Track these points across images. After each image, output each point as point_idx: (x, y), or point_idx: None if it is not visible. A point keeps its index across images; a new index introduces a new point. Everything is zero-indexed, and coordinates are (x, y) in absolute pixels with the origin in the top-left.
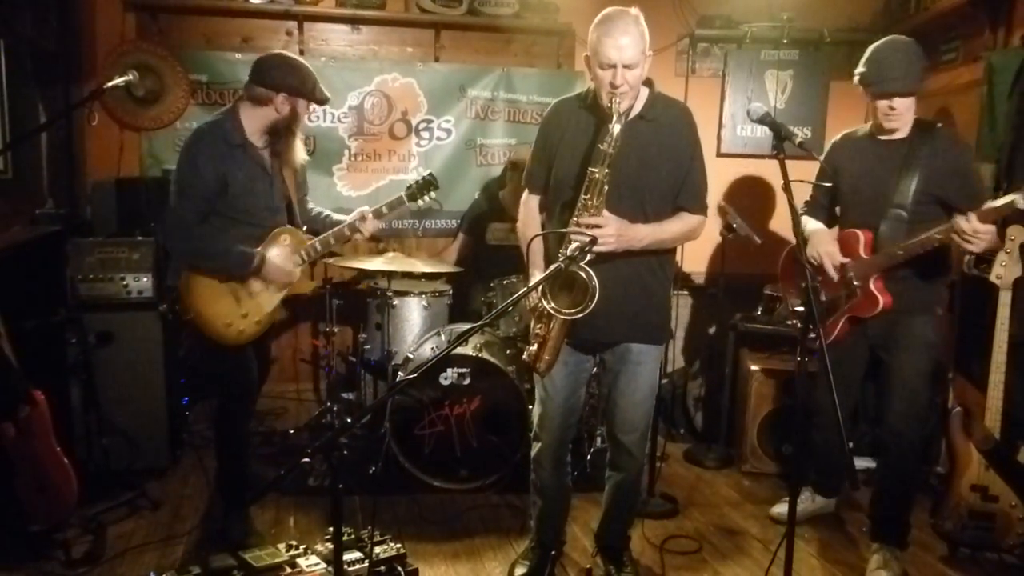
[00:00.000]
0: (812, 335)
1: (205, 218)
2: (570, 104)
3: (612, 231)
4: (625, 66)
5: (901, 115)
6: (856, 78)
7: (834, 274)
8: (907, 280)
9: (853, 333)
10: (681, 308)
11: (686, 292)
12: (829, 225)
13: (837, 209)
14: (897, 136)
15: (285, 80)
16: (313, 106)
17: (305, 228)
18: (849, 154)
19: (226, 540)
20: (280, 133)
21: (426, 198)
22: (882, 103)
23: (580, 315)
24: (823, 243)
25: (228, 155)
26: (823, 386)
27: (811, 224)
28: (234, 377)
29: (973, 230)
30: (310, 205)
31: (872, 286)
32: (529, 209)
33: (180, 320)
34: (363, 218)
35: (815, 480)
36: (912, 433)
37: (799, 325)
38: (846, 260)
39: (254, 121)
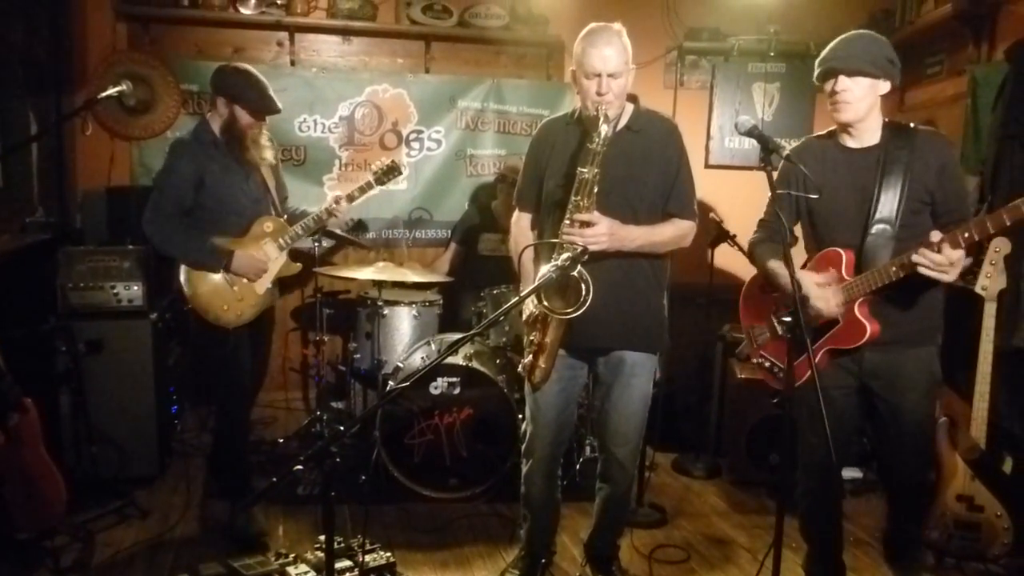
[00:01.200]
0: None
1: (186, 214)
2: (558, 123)
3: (604, 229)
4: (609, 75)
5: (850, 104)
6: (814, 74)
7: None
8: (904, 305)
9: (837, 366)
10: (669, 318)
11: (674, 302)
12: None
13: (796, 230)
14: (868, 143)
15: (224, 83)
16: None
17: (285, 218)
18: (815, 164)
19: (232, 532)
20: (231, 133)
21: (391, 183)
22: (828, 86)
23: (576, 313)
24: (822, 298)
25: (202, 152)
26: (809, 429)
27: (773, 262)
28: (228, 363)
29: (948, 260)
30: (290, 204)
31: (856, 312)
32: (520, 227)
33: (181, 312)
34: (337, 202)
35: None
36: (923, 471)
37: (786, 335)
38: (839, 309)
39: (214, 122)
